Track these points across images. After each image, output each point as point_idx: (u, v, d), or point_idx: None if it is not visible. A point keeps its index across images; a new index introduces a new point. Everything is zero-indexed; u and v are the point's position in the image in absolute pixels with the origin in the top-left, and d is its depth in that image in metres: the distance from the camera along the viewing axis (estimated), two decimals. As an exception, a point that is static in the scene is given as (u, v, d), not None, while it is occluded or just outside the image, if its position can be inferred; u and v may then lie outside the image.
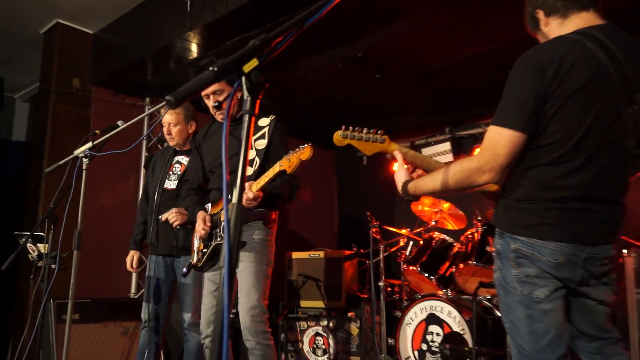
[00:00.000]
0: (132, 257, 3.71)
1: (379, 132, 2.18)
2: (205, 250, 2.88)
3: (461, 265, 4.32)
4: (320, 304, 4.91)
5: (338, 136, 2.18)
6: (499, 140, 1.76)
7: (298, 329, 4.90)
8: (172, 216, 3.30)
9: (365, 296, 4.89)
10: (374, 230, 4.73)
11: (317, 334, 4.83)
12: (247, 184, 2.68)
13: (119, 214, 5.11)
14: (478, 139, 5.84)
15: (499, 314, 4.03)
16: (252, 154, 2.82)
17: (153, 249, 3.61)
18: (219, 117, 3.10)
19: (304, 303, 4.97)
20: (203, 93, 3.02)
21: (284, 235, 6.42)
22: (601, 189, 1.78)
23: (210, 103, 3.04)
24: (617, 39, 1.77)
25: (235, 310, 4.55)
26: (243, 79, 0.94)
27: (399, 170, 2.12)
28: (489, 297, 4.29)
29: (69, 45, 5.02)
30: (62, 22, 4.97)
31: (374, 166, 6.87)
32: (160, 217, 3.47)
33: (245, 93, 0.97)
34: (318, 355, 4.79)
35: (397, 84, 5.11)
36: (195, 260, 2.96)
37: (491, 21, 3.91)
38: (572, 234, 1.76)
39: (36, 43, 5.18)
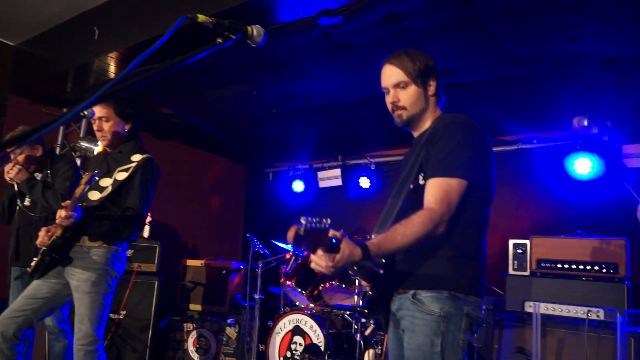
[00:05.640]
0: None
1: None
2: (35, 259, 2.65)
3: (327, 284, 4.39)
4: (206, 308, 4.86)
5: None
6: (452, 191, 1.64)
7: (184, 330, 4.82)
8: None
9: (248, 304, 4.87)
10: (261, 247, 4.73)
11: (201, 335, 4.77)
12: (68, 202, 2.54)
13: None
14: (363, 168, 5.97)
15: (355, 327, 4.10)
16: (107, 182, 2.69)
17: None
18: (103, 142, 2.98)
19: (192, 306, 4.91)
20: (95, 117, 2.85)
21: (187, 243, 6.34)
22: None
23: (95, 127, 2.91)
24: None
25: (124, 312, 4.47)
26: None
27: (345, 242, 1.52)
28: (348, 312, 4.37)
29: (-11, 54, 4.73)
30: (-17, 32, 4.67)
31: (278, 182, 6.87)
32: None
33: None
34: (200, 355, 4.74)
35: (293, 119, 5.14)
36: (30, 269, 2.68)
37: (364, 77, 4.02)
38: (482, 288, 1.75)
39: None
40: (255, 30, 1.49)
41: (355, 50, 3.55)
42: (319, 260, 1.52)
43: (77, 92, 4.94)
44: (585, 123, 1.42)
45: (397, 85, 1.86)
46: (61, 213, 2.47)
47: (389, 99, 1.90)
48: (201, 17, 1.39)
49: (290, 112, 4.91)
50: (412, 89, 1.85)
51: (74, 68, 4.50)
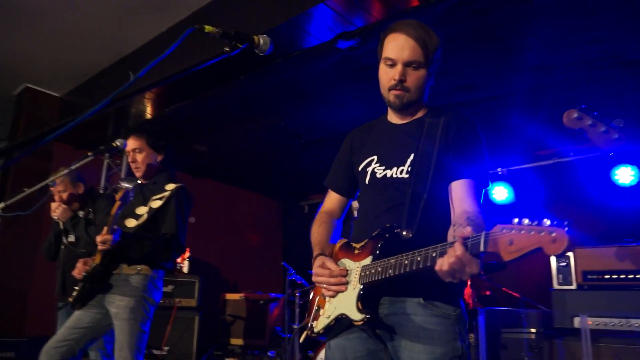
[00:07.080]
0: None
1: None
2: (77, 288, 2.69)
3: (366, 311, 4.30)
4: (247, 341, 4.84)
5: None
6: (479, 199, 1.54)
7: (226, 365, 4.81)
8: None
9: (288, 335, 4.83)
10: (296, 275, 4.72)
11: (242, 369, 4.74)
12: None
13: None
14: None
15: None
16: (143, 210, 2.78)
17: None
18: (137, 173, 3.07)
19: (233, 340, 4.90)
20: (127, 149, 2.99)
21: (227, 278, 6.40)
22: None
23: (129, 159, 3.03)
24: None
25: (167, 348, 4.51)
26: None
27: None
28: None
29: (37, 106, 5.09)
30: (31, 86, 5.04)
31: (314, 215, 6.89)
32: None
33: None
34: (242, 389, 4.69)
35: (322, 149, 5.19)
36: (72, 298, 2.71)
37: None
38: None
39: (10, 103, 5.25)
40: (262, 40, 1.55)
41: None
42: (466, 267, 1.25)
43: (116, 135, 5.21)
44: (576, 115, 1.28)
45: (409, 64, 1.59)
46: (99, 237, 2.55)
47: (393, 74, 1.60)
48: (208, 28, 1.47)
49: (318, 140, 4.97)
50: (423, 73, 1.61)
51: (113, 113, 4.77)
